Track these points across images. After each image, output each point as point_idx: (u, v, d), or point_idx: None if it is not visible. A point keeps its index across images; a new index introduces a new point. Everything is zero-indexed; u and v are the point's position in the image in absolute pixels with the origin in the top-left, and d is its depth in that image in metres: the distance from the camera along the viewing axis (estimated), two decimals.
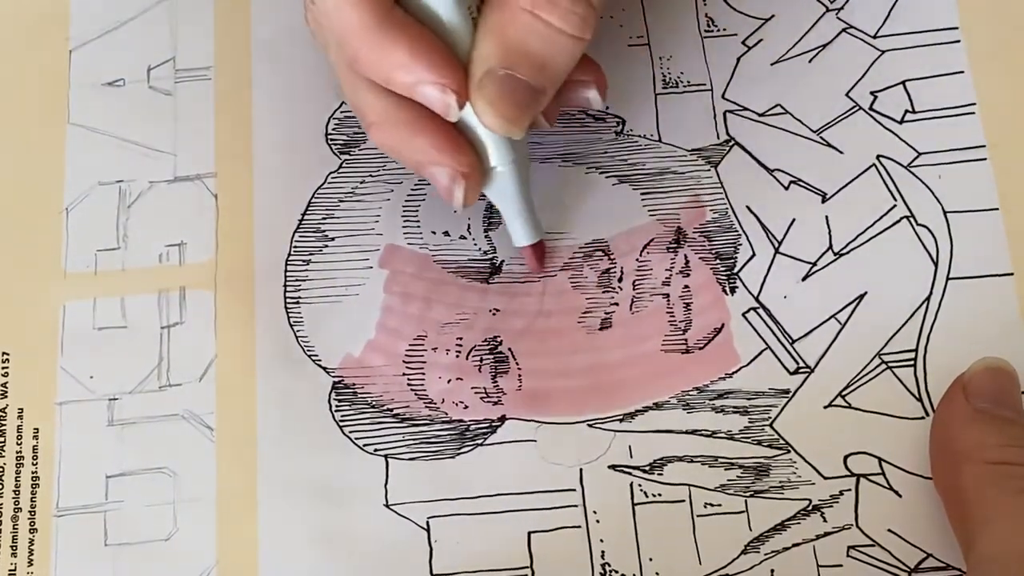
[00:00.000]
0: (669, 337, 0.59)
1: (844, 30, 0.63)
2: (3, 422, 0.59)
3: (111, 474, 0.58)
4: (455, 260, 0.61)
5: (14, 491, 0.58)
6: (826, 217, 0.61)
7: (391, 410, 0.59)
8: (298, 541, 0.57)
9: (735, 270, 0.60)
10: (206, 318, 0.60)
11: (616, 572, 0.56)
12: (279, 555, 0.57)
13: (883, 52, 0.63)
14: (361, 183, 0.62)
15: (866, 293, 0.59)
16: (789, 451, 0.57)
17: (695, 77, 0.63)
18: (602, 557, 0.56)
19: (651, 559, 0.56)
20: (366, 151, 0.62)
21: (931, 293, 0.59)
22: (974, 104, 0.62)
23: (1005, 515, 0.51)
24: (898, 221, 0.60)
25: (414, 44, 0.53)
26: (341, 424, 0.58)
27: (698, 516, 0.57)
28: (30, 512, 0.58)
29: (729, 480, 0.57)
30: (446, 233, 0.61)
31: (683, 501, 0.57)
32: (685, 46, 0.64)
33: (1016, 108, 0.62)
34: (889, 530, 0.56)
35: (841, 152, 0.61)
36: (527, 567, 0.56)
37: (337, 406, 0.59)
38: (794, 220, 0.61)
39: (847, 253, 0.60)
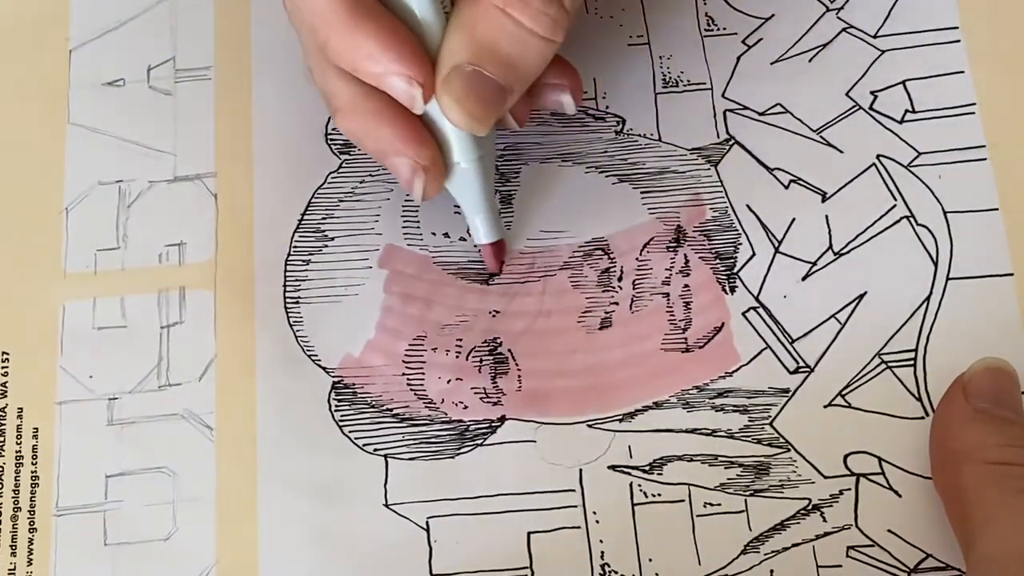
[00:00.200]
0: (669, 336, 0.59)
1: (844, 30, 0.63)
2: (3, 422, 0.59)
3: (111, 474, 0.58)
4: (455, 261, 0.61)
5: (14, 491, 0.58)
6: (826, 217, 0.61)
7: (391, 410, 0.59)
8: (298, 541, 0.57)
9: (735, 269, 0.60)
10: (206, 318, 0.60)
11: (616, 572, 0.56)
12: (279, 555, 0.57)
13: (883, 52, 0.63)
14: (361, 183, 0.62)
15: (866, 293, 0.59)
16: (789, 450, 0.57)
17: (695, 76, 0.63)
18: (602, 557, 0.56)
19: (651, 559, 0.56)
20: None
21: (931, 293, 0.59)
22: (974, 104, 0.62)
23: (1005, 515, 0.51)
24: (898, 221, 0.60)
25: (384, 34, 0.53)
26: (341, 424, 0.58)
27: (698, 516, 0.56)
28: (29, 512, 0.58)
29: (729, 479, 0.57)
30: (446, 234, 0.61)
31: (683, 501, 0.57)
32: (685, 45, 0.64)
33: (1016, 108, 0.62)
34: (889, 530, 0.56)
35: (841, 151, 0.61)
36: (527, 567, 0.56)
37: (337, 406, 0.59)
38: (794, 219, 0.61)
39: (847, 253, 0.60)
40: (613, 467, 0.57)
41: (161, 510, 0.58)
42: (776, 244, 0.60)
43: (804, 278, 0.60)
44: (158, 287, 0.61)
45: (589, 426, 0.58)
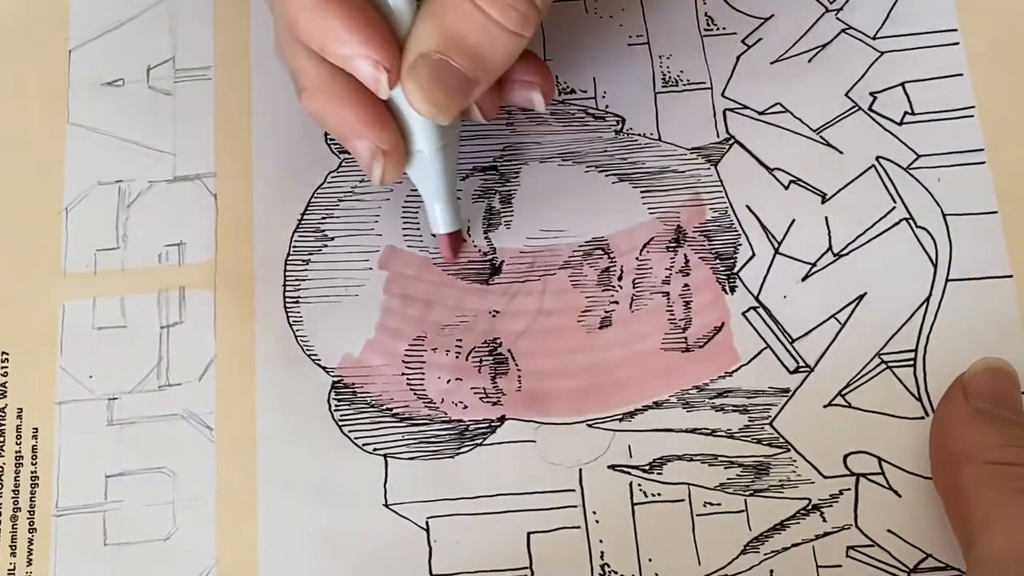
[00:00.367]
0: (669, 336, 0.59)
1: (843, 30, 0.63)
2: (2, 422, 0.59)
3: (110, 474, 0.58)
4: (455, 261, 0.61)
5: (13, 491, 0.58)
6: (826, 218, 0.61)
7: (390, 410, 0.59)
8: (297, 541, 0.57)
9: (735, 269, 0.60)
10: (206, 318, 0.60)
11: (615, 572, 0.56)
12: (279, 555, 0.57)
13: (882, 53, 0.63)
14: (361, 182, 0.62)
15: (866, 294, 0.59)
16: (789, 450, 0.57)
17: (695, 76, 0.63)
18: (601, 557, 0.56)
19: (650, 559, 0.56)
20: None
21: (931, 294, 0.59)
22: (973, 107, 0.62)
23: (1005, 515, 0.51)
24: (897, 223, 0.60)
25: (353, 17, 0.53)
26: (340, 424, 0.58)
27: (697, 516, 0.56)
28: (29, 512, 0.58)
29: (729, 479, 0.57)
30: None
31: (683, 501, 0.57)
32: (685, 45, 0.64)
33: (1015, 112, 0.62)
34: (889, 530, 0.56)
35: (841, 152, 0.62)
36: (526, 567, 0.56)
37: (336, 406, 0.59)
38: (794, 221, 0.61)
39: (847, 254, 0.60)
40: (613, 467, 0.57)
41: (161, 510, 0.58)
42: (776, 245, 0.60)
43: (804, 278, 0.60)
44: (158, 287, 0.61)
45: (589, 426, 0.58)
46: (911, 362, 0.58)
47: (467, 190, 0.62)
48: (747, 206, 0.61)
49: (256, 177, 0.62)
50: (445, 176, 0.58)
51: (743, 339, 0.59)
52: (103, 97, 0.64)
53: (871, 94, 0.62)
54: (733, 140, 0.62)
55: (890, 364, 0.58)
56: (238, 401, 0.59)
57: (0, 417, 0.59)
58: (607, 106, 0.63)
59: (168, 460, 0.58)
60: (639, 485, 0.57)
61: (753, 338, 0.59)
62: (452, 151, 0.57)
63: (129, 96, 0.64)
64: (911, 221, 0.60)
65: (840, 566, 0.56)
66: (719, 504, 0.57)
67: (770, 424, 0.57)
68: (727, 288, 0.60)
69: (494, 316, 0.60)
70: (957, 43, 0.63)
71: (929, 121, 0.62)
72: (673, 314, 0.59)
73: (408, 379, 0.59)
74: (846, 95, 0.62)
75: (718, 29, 0.64)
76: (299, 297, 0.60)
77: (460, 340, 0.59)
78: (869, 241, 0.60)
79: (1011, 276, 0.59)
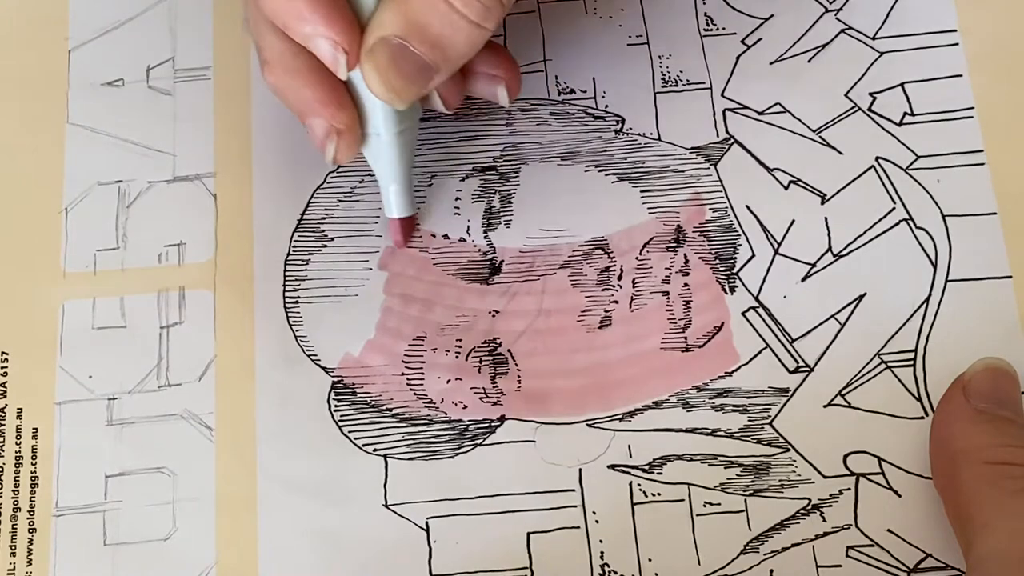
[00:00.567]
0: (669, 335, 0.59)
1: (843, 31, 0.63)
2: (2, 422, 0.59)
3: (110, 474, 0.58)
4: (455, 262, 0.61)
5: (13, 491, 0.58)
6: (825, 219, 0.61)
7: (390, 410, 0.59)
8: (297, 541, 0.57)
9: (735, 269, 0.60)
10: (206, 318, 0.60)
11: (615, 572, 0.56)
12: (278, 555, 0.57)
13: (882, 53, 0.63)
14: (360, 183, 0.62)
15: (865, 294, 0.59)
16: (789, 450, 0.57)
17: (694, 76, 0.63)
18: (601, 557, 0.56)
19: (650, 559, 0.56)
20: None
21: (930, 294, 0.59)
22: (972, 108, 0.62)
23: (1004, 515, 0.51)
24: (897, 224, 0.60)
25: None
26: (340, 424, 0.58)
27: (697, 516, 0.56)
28: (29, 512, 0.58)
29: (728, 479, 0.57)
30: (446, 236, 0.61)
31: (682, 500, 0.57)
32: (684, 45, 0.64)
33: (1014, 113, 0.62)
34: (888, 530, 0.56)
35: (840, 153, 0.62)
36: (526, 567, 0.56)
37: (336, 406, 0.59)
38: (793, 221, 0.61)
39: (847, 255, 0.60)
40: (613, 467, 0.57)
41: (161, 510, 0.58)
42: (776, 245, 0.60)
43: (804, 279, 0.60)
44: (158, 287, 0.61)
45: (589, 426, 0.58)
46: (911, 362, 0.58)
47: (467, 190, 0.62)
48: (747, 206, 0.61)
49: (256, 177, 0.62)
50: (401, 161, 0.58)
51: (743, 339, 0.59)
52: (103, 97, 0.64)
53: (870, 94, 0.62)
54: (733, 140, 0.62)
55: (890, 364, 0.58)
56: (238, 401, 0.59)
57: (0, 417, 0.59)
58: (607, 106, 0.63)
59: (168, 460, 0.58)
60: (639, 485, 0.57)
61: (753, 338, 0.59)
62: (410, 136, 0.58)
63: (129, 96, 0.64)
64: (911, 222, 0.60)
65: (840, 566, 0.56)
66: (719, 504, 0.57)
67: (770, 424, 0.57)
68: (727, 288, 0.60)
69: (494, 316, 0.60)
70: (956, 44, 0.63)
71: (928, 122, 0.62)
72: (673, 314, 0.59)
73: (408, 379, 0.59)
74: (846, 95, 0.62)
75: (718, 29, 0.64)
76: (299, 297, 0.60)
77: (460, 340, 0.59)
78: (869, 242, 0.60)
79: (1010, 277, 0.59)
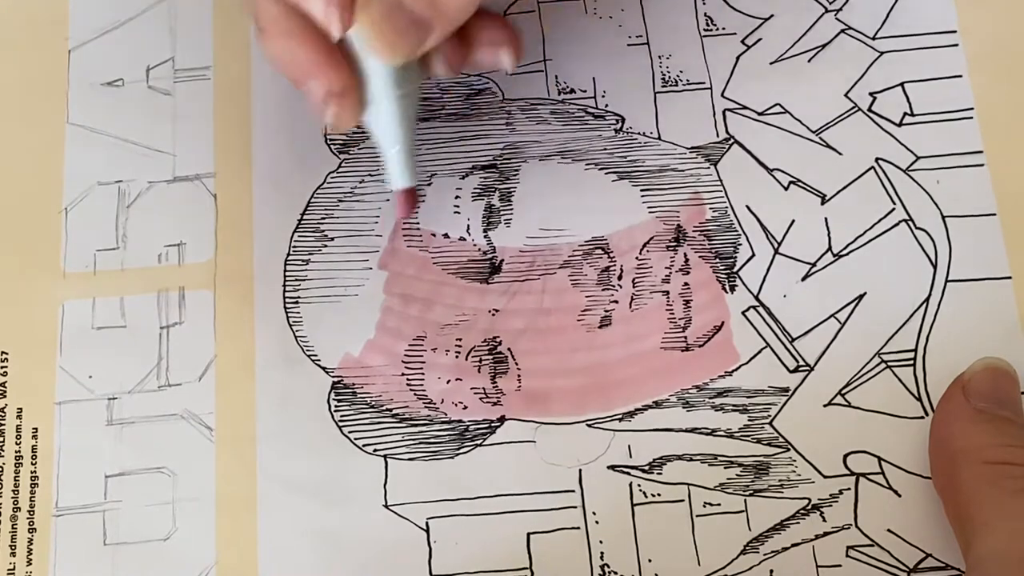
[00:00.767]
0: (669, 335, 0.59)
1: (843, 31, 0.63)
2: (2, 422, 0.59)
3: (110, 474, 0.58)
4: (454, 261, 0.61)
5: (13, 491, 0.58)
6: (825, 219, 0.61)
7: (390, 410, 0.59)
8: (297, 541, 0.57)
9: (735, 269, 0.60)
10: (205, 318, 0.60)
11: (615, 573, 0.56)
12: (278, 555, 0.57)
13: (882, 53, 0.63)
14: (360, 183, 0.62)
15: (865, 294, 0.59)
16: (789, 449, 0.57)
17: (694, 76, 0.63)
18: (601, 558, 0.56)
19: (650, 560, 0.56)
20: (365, 150, 0.62)
21: (930, 294, 0.59)
22: (972, 108, 0.62)
23: (1004, 515, 0.51)
24: (897, 224, 0.60)
25: None
26: (340, 424, 0.58)
27: (697, 516, 0.56)
28: (29, 512, 0.58)
29: (728, 479, 0.57)
30: (446, 235, 0.61)
31: (682, 501, 0.57)
32: (684, 45, 0.64)
33: (1014, 113, 0.62)
34: (888, 530, 0.56)
35: (840, 153, 0.62)
36: (526, 568, 0.56)
37: (336, 406, 0.59)
38: (793, 221, 0.61)
39: (847, 255, 0.60)
40: (613, 467, 0.57)
41: (161, 510, 0.58)
42: (776, 245, 0.60)
43: (804, 278, 0.60)
44: (158, 287, 0.61)
45: (589, 426, 0.58)
46: (911, 362, 0.58)
47: (467, 188, 0.62)
48: (747, 206, 0.61)
49: (256, 177, 0.62)
50: (402, 127, 0.57)
51: (743, 338, 0.59)
52: (102, 97, 0.64)
53: (870, 94, 0.62)
54: (733, 140, 0.62)
55: (890, 364, 0.58)
56: (238, 401, 0.59)
57: (0, 417, 0.59)
58: (607, 105, 0.63)
59: (168, 460, 0.58)
60: (639, 485, 0.57)
61: (753, 337, 0.59)
62: (411, 103, 0.57)
63: (129, 96, 0.64)
64: (910, 223, 0.60)
65: (840, 566, 0.56)
66: (719, 504, 0.57)
67: (770, 424, 0.57)
68: (727, 287, 0.60)
69: (494, 315, 0.60)
70: (956, 44, 0.63)
71: (928, 122, 0.62)
72: (673, 313, 0.59)
73: (408, 379, 0.59)
74: (845, 95, 0.62)
75: (718, 29, 0.64)
76: (299, 297, 0.60)
77: (460, 339, 0.59)
78: (869, 242, 0.60)
79: (1010, 278, 0.59)
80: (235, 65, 0.64)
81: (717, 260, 0.60)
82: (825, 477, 0.57)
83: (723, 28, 0.64)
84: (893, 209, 0.61)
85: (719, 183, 0.61)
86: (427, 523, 0.57)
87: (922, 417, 0.57)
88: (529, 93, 0.63)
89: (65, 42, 0.65)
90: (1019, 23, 0.63)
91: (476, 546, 0.57)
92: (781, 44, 0.63)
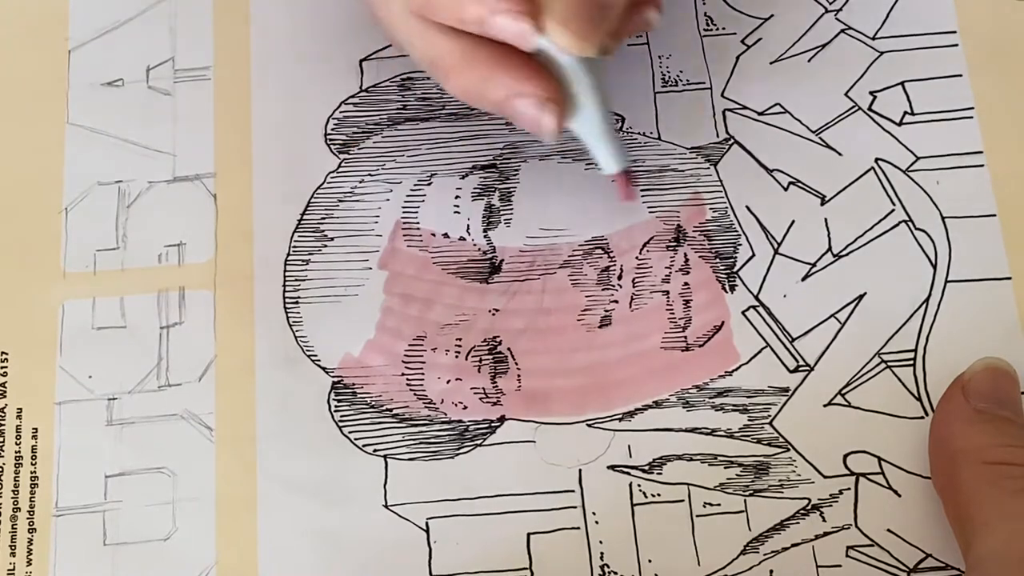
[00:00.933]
0: (669, 334, 0.59)
1: (843, 31, 0.63)
2: (2, 422, 0.59)
3: (110, 474, 0.58)
4: (454, 261, 0.61)
5: (13, 491, 0.58)
6: (825, 220, 0.61)
7: (390, 410, 0.59)
8: (297, 541, 0.57)
9: (735, 269, 0.60)
10: (206, 318, 0.60)
11: (615, 573, 0.56)
12: (278, 555, 0.57)
13: (882, 53, 0.63)
14: (360, 183, 0.62)
15: (865, 294, 0.59)
16: (789, 449, 0.57)
17: (694, 76, 0.63)
18: (601, 558, 0.56)
19: (650, 560, 0.56)
20: (365, 150, 0.62)
21: (930, 295, 0.59)
22: (972, 108, 0.62)
23: (1004, 515, 0.51)
24: (896, 225, 0.60)
25: None
26: (340, 424, 0.58)
27: (697, 516, 0.56)
28: (29, 512, 0.58)
29: (728, 479, 0.57)
30: (446, 235, 0.61)
31: (682, 501, 0.57)
32: (684, 45, 0.64)
33: (1014, 114, 0.62)
34: (888, 530, 0.56)
35: (840, 154, 0.62)
36: (526, 568, 0.56)
37: (336, 406, 0.59)
38: (793, 222, 0.61)
39: (846, 255, 0.60)
40: (613, 467, 0.57)
41: (161, 510, 0.58)
42: (776, 245, 0.60)
43: (804, 278, 0.60)
44: (158, 287, 0.61)
45: (589, 425, 0.58)
46: (911, 362, 0.58)
47: (467, 188, 0.62)
48: (747, 207, 0.61)
49: (256, 177, 0.62)
50: (605, 116, 0.57)
51: (743, 338, 0.59)
52: (103, 97, 0.64)
53: (871, 93, 0.62)
54: (733, 140, 0.62)
55: (890, 364, 0.58)
56: (238, 401, 0.59)
57: (0, 417, 0.59)
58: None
59: (168, 460, 0.58)
60: (639, 485, 0.57)
61: (753, 337, 0.59)
62: (605, 91, 0.57)
63: (129, 96, 0.64)
64: (910, 223, 0.60)
65: (840, 566, 0.55)
66: (719, 504, 0.57)
67: (770, 424, 0.57)
68: (727, 287, 0.60)
69: (494, 314, 0.60)
70: (956, 44, 0.63)
71: (928, 122, 0.62)
72: (673, 313, 0.59)
73: (408, 379, 0.59)
74: (845, 95, 0.62)
75: (718, 29, 0.64)
76: (299, 297, 0.60)
77: (460, 339, 0.59)
78: (869, 242, 0.60)
79: (1010, 278, 0.59)
80: (235, 65, 0.64)
81: (717, 260, 0.60)
82: (825, 477, 0.57)
83: (723, 28, 0.64)
84: (893, 210, 0.61)
85: (719, 183, 0.61)
86: (427, 523, 0.57)
87: (922, 417, 0.57)
88: None
89: (65, 42, 0.65)
90: (1019, 23, 0.63)
91: (476, 546, 0.57)
92: (781, 44, 0.63)
